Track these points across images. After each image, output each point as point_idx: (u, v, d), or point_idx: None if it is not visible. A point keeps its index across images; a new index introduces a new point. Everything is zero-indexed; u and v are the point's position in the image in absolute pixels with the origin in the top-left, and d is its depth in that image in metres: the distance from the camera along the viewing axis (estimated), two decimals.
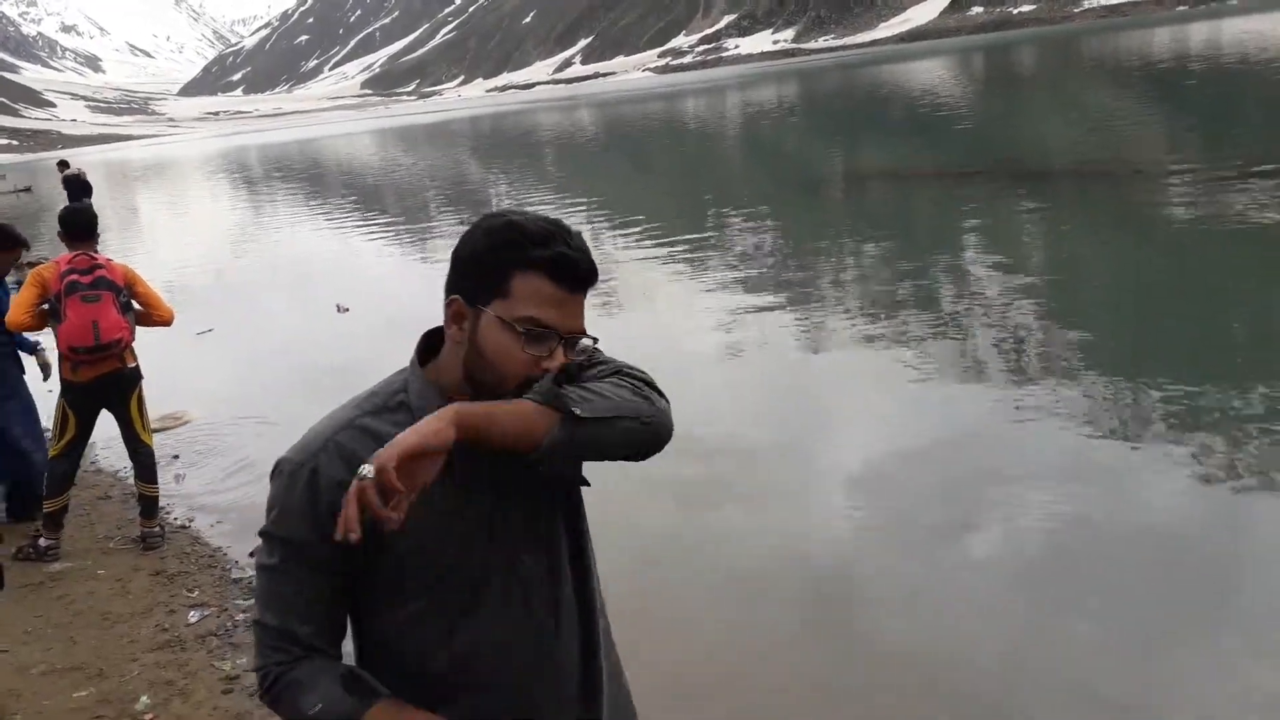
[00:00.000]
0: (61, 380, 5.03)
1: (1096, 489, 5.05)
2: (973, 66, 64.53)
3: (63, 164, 20.69)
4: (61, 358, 4.93)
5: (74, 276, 4.84)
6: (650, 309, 10.07)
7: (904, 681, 3.71)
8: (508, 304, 1.38)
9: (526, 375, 1.38)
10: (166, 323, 5.32)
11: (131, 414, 5.15)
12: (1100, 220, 12.11)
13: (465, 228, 1.47)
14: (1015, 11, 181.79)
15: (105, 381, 4.98)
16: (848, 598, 4.28)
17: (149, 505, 5.34)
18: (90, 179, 20.33)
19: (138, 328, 5.14)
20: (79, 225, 5.10)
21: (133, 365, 5.12)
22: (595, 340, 1.46)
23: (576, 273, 1.39)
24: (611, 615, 1.68)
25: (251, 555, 5.21)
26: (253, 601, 1.51)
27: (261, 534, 1.46)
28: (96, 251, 5.12)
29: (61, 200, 20.39)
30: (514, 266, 1.37)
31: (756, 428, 6.39)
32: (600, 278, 1.45)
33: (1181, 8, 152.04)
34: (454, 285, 1.43)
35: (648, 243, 13.88)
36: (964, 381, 6.79)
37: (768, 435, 6.24)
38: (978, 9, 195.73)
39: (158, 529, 5.35)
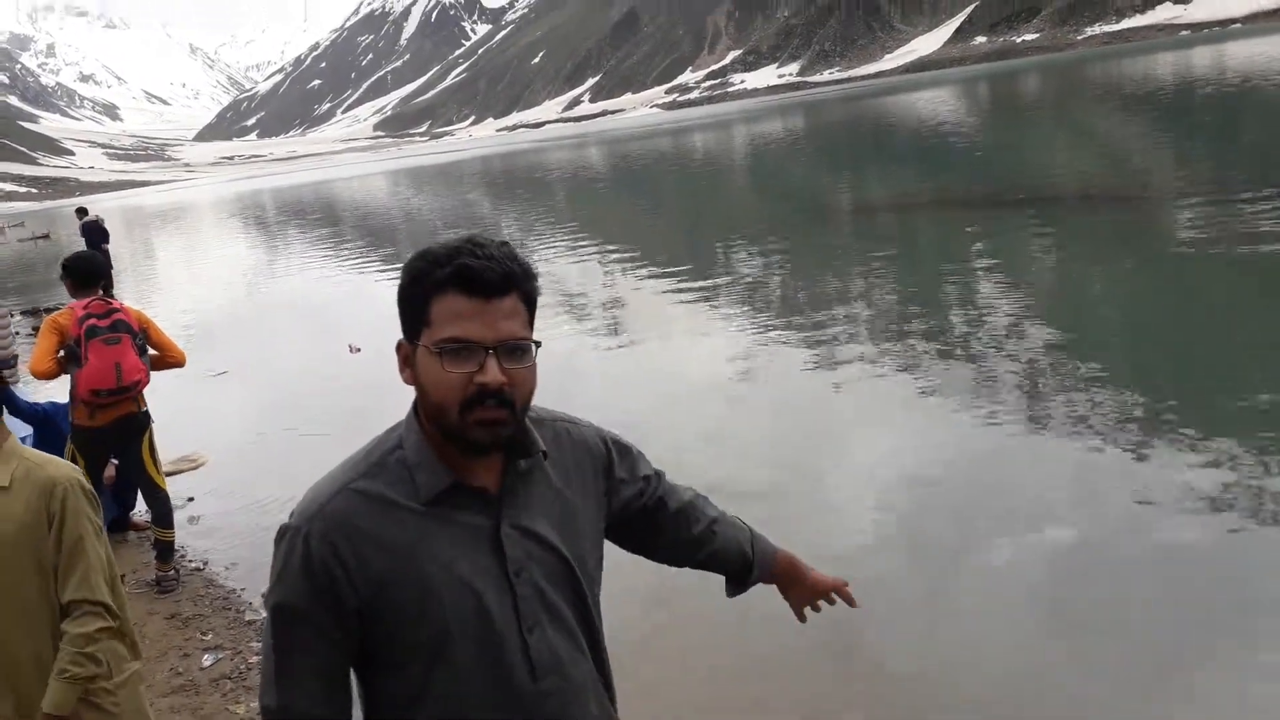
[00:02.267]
0: (73, 425, 5.08)
1: (1108, 513, 5.03)
2: (977, 95, 64.92)
3: (81, 211, 21.00)
4: (78, 403, 4.99)
5: (93, 321, 4.90)
6: (659, 339, 10.12)
7: (918, 713, 3.70)
8: (431, 331, 1.36)
9: (463, 398, 1.35)
10: (180, 364, 5.41)
11: (144, 458, 5.20)
12: (1108, 244, 12.13)
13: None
14: (1019, 40, 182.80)
15: (119, 426, 5.03)
16: (860, 626, 4.26)
17: (165, 550, 5.37)
18: (108, 225, 20.63)
19: (152, 371, 5.22)
20: (84, 271, 5.17)
21: (144, 409, 5.18)
22: (538, 344, 1.41)
23: (485, 278, 1.35)
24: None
25: (264, 595, 5.26)
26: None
27: (265, 604, 1.46)
28: (112, 297, 5.21)
29: (79, 246, 20.64)
30: (429, 294, 1.36)
31: (766, 457, 6.40)
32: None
33: (1185, 32, 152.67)
34: (402, 330, 1.43)
35: (655, 274, 13.96)
36: (973, 407, 6.80)
37: (778, 464, 6.25)
38: (981, 39, 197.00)
39: (173, 573, 5.39)
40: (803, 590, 1.88)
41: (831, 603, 1.89)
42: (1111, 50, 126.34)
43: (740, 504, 5.49)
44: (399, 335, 1.44)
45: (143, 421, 5.16)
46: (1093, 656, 3.90)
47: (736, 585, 1.89)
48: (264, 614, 4.98)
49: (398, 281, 1.43)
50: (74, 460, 5.03)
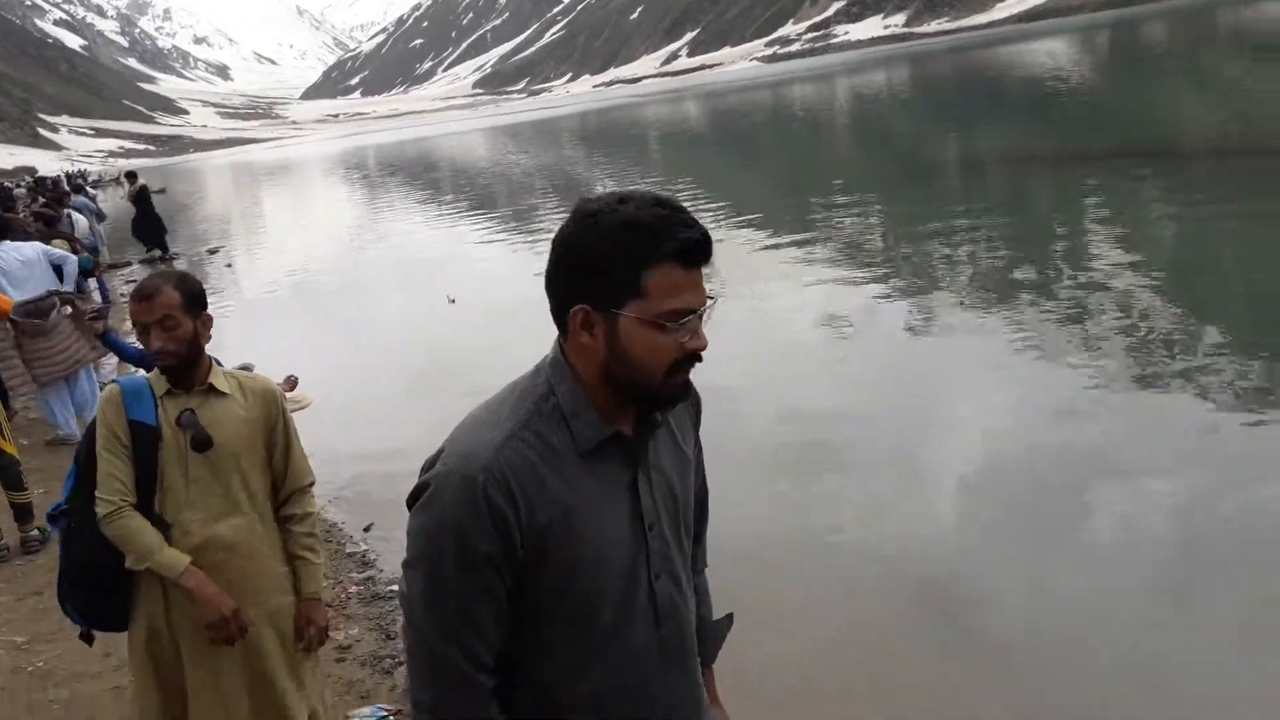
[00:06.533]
0: None
1: (1223, 478, 4.78)
2: (1097, 44, 61.74)
3: (130, 175, 21.51)
4: None
5: None
6: (757, 294, 9.96)
7: (1016, 684, 3.56)
8: (646, 303, 1.36)
9: (673, 361, 1.39)
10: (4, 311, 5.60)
11: None
12: (1233, 201, 11.39)
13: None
14: None
15: None
16: (960, 590, 4.14)
17: (21, 511, 5.33)
18: (219, 179, 21.29)
19: None
20: None
21: None
22: (714, 300, 1.44)
23: (704, 251, 1.39)
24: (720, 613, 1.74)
25: (367, 530, 5.37)
26: (406, 637, 1.44)
27: (426, 556, 1.38)
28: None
29: (175, 203, 21.35)
30: (643, 265, 1.35)
31: (865, 415, 6.25)
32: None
33: None
34: (573, 293, 1.38)
35: (754, 228, 13.75)
36: (1083, 366, 6.50)
37: (876, 423, 6.10)
38: None
39: (35, 533, 5.31)
40: None
41: None
42: None
43: (831, 463, 5.40)
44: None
45: None
46: (1210, 637, 3.69)
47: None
48: (367, 538, 5.10)
49: (576, 243, 1.37)
50: None
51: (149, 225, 18.61)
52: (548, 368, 1.44)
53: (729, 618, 1.76)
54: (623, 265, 1.35)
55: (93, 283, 9.21)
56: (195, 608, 2.46)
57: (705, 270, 1.41)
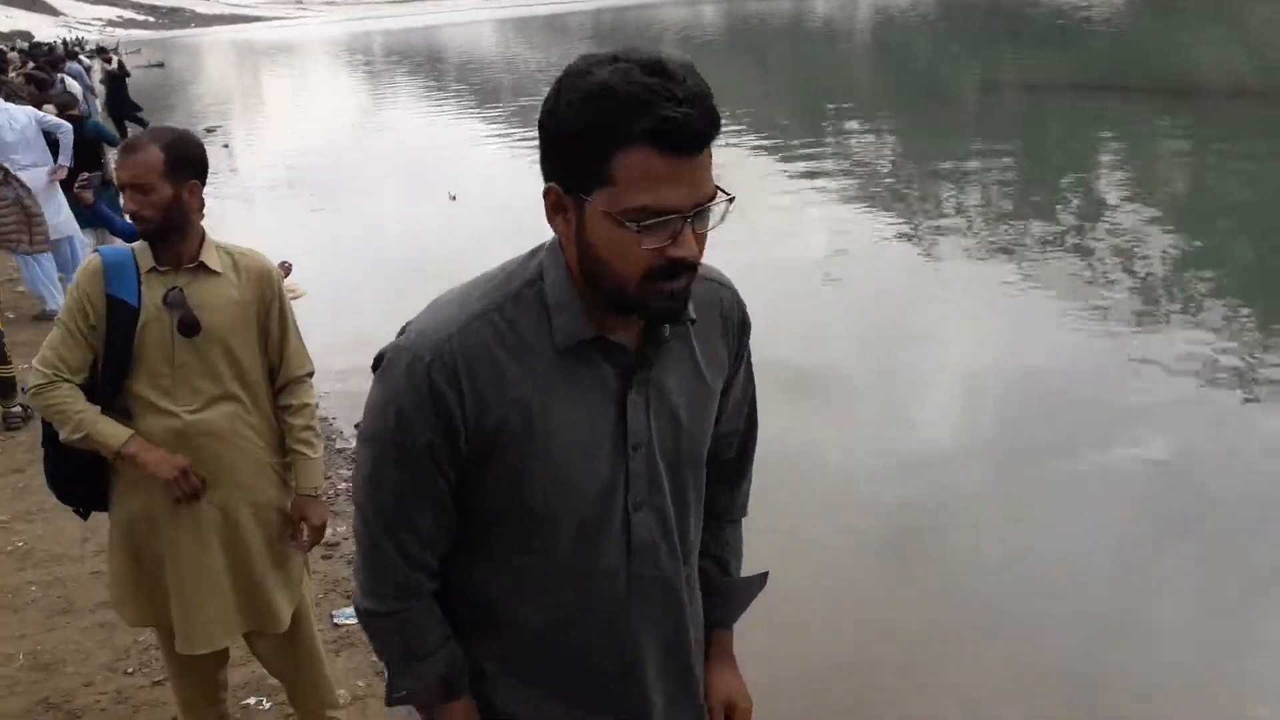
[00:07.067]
0: None
1: (1209, 433, 4.76)
2: None
3: (102, 52, 20.55)
4: None
5: None
6: (757, 214, 9.76)
7: (988, 622, 3.56)
8: (613, 193, 1.10)
9: (649, 268, 1.13)
10: None
11: None
12: (1249, 147, 11.14)
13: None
14: None
15: None
16: (942, 524, 4.13)
17: (4, 386, 5.27)
18: (219, 57, 20.58)
19: None
20: None
21: None
22: (731, 199, 1.16)
23: (690, 135, 1.08)
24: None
25: (358, 427, 5.33)
26: (355, 515, 1.34)
27: (373, 439, 1.26)
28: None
29: (188, 75, 20.74)
30: (612, 146, 1.08)
31: (858, 343, 6.20)
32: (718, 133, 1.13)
33: None
34: (547, 170, 1.17)
35: (760, 143, 13.45)
36: (1080, 310, 6.42)
37: (869, 351, 6.05)
38: None
39: (18, 409, 5.28)
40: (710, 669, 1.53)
41: None
42: None
43: (820, 389, 5.33)
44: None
45: None
46: (1181, 587, 3.70)
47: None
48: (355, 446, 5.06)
49: (548, 109, 1.13)
50: None
51: (121, 106, 17.97)
52: (544, 252, 1.25)
53: (762, 577, 1.53)
54: (587, 143, 1.10)
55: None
56: (145, 475, 2.31)
57: (713, 160, 1.12)
